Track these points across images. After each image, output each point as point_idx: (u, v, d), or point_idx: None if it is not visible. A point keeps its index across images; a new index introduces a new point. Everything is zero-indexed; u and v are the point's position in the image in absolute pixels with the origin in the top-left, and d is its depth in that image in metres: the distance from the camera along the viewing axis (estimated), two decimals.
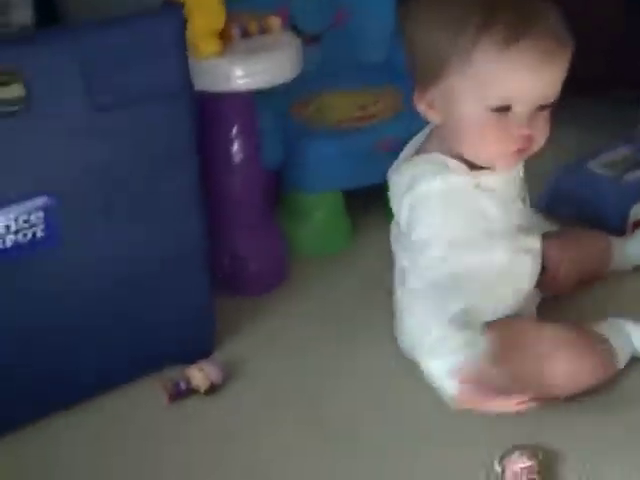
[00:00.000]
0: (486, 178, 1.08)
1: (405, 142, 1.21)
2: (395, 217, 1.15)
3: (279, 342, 1.28)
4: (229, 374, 1.21)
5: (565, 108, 1.81)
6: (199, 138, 1.27)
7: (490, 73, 1.02)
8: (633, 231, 1.42)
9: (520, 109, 1.04)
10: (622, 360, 1.15)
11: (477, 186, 1.08)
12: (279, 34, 1.31)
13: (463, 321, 1.02)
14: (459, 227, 1.07)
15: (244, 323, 1.31)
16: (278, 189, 1.48)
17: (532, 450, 1.04)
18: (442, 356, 1.01)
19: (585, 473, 1.04)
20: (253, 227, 1.37)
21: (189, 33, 1.19)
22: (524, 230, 1.14)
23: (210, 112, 1.29)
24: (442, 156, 1.09)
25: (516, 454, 1.03)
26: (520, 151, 1.07)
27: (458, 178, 1.07)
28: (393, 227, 1.17)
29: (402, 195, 1.10)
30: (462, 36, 1.01)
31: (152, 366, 1.20)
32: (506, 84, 1.02)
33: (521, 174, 1.16)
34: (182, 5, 1.08)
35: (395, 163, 1.17)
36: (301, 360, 1.24)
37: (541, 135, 1.07)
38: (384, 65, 1.63)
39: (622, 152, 1.59)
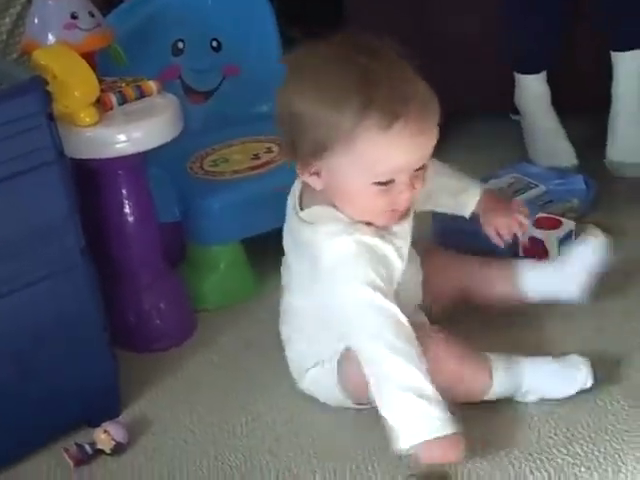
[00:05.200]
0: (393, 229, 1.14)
1: None
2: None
3: (186, 398, 1.30)
4: (135, 433, 1.23)
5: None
6: (91, 202, 1.32)
7: (372, 154, 1.06)
8: (525, 252, 1.48)
9: (402, 179, 1.09)
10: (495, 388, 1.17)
11: (382, 236, 1.13)
12: (157, 97, 1.35)
13: None
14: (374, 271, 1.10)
15: (151, 380, 1.33)
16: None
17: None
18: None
19: None
20: (155, 282, 1.40)
21: (67, 104, 1.24)
22: None
23: (97, 177, 1.33)
24: (337, 213, 1.13)
25: None
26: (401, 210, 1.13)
27: (365, 233, 1.11)
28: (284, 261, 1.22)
29: (310, 247, 1.14)
30: (342, 120, 1.05)
31: (57, 431, 1.22)
32: (389, 162, 1.07)
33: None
34: (46, 80, 1.12)
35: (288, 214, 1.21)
36: (207, 414, 1.26)
37: (419, 191, 1.12)
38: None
39: (508, 178, 1.65)
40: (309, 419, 1.22)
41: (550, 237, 1.46)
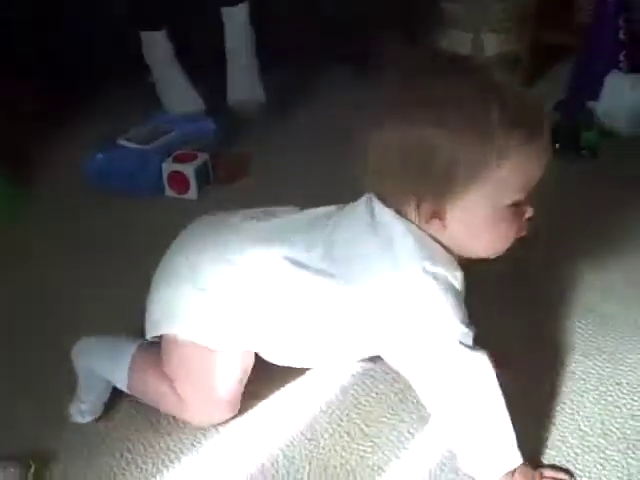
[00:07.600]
0: None
1: None
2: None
3: None
4: None
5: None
6: None
7: (517, 172, 1.01)
8: (170, 185, 1.69)
9: (524, 198, 1.05)
10: None
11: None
12: None
13: None
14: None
15: None
16: None
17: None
18: None
19: None
20: None
21: None
22: None
23: None
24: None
25: None
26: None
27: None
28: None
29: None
30: (490, 146, 0.99)
31: None
32: (526, 178, 1.03)
33: None
34: None
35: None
36: None
37: None
38: None
39: (148, 127, 1.85)
40: None
41: (188, 168, 1.69)
